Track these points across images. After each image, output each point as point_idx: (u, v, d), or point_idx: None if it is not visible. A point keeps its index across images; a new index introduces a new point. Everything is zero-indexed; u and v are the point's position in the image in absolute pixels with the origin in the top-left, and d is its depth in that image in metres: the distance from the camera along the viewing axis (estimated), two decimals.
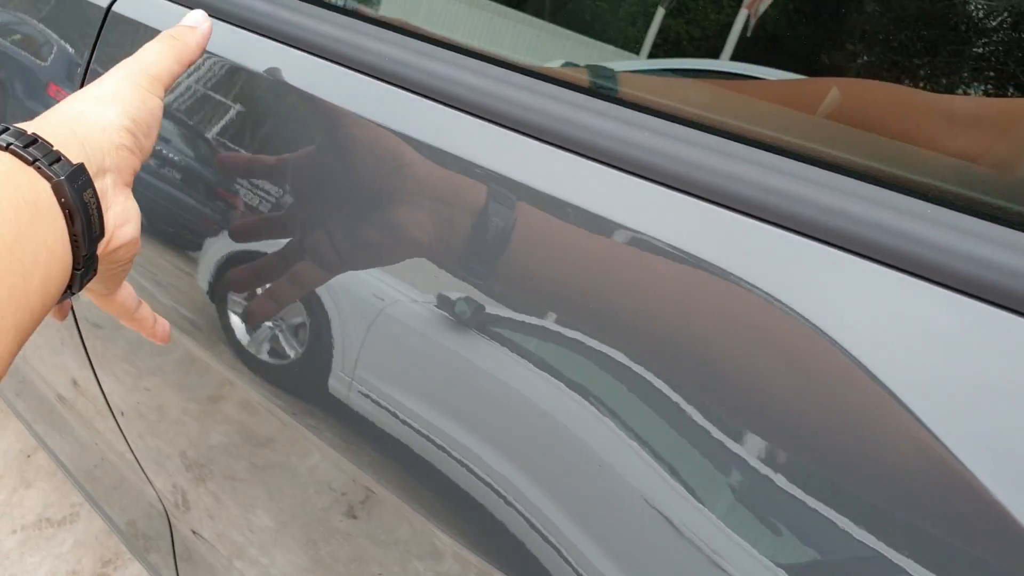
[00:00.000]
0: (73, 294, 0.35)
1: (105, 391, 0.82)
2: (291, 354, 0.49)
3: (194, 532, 0.83)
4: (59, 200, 0.32)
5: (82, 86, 0.62)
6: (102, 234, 0.35)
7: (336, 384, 0.45)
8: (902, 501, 0.27)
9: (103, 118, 0.37)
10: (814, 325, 0.29)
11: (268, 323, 0.50)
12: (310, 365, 0.47)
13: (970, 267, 0.28)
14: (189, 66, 0.44)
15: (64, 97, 0.65)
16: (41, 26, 0.69)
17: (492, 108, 0.40)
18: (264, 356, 0.51)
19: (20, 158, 0.31)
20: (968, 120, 0.35)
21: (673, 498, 0.32)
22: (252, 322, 0.51)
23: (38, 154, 0.31)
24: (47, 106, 0.66)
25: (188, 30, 0.45)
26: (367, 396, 0.44)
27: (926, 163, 0.34)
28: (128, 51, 0.41)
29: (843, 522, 0.28)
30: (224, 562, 0.78)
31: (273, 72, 0.49)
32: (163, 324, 0.48)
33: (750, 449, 0.30)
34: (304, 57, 0.48)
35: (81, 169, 0.33)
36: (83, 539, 1.46)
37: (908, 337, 0.28)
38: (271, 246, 0.49)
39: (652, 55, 0.50)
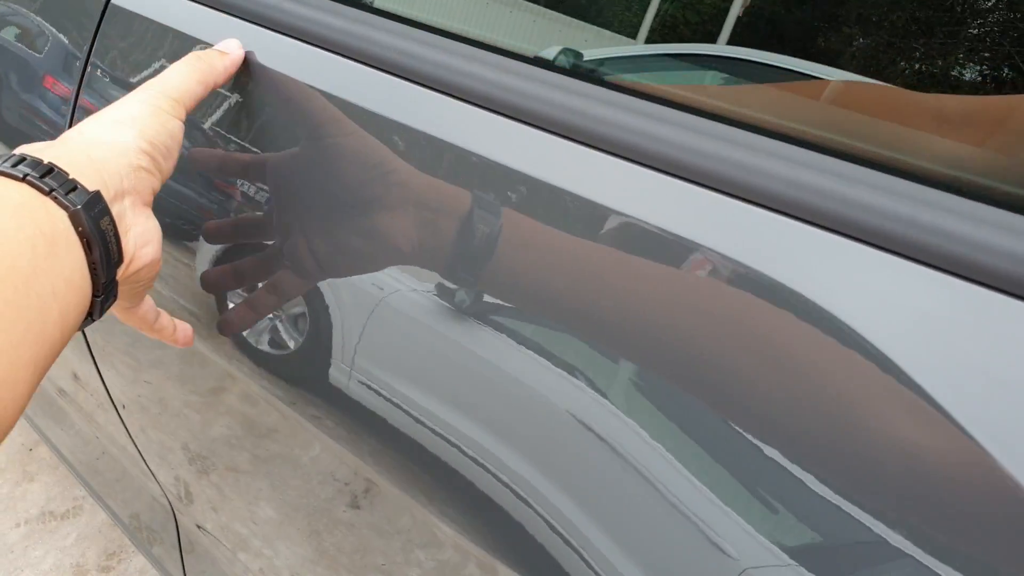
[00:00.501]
0: (94, 321, 0.35)
1: (107, 384, 0.82)
2: (291, 345, 0.49)
3: (198, 525, 0.83)
4: (76, 229, 0.32)
5: (82, 80, 0.62)
6: (120, 260, 0.36)
7: (336, 374, 0.45)
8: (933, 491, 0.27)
9: (119, 141, 0.37)
10: (834, 317, 0.29)
11: (268, 315, 0.51)
12: (310, 355, 0.47)
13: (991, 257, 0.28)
14: (214, 89, 0.44)
15: (60, 89, 0.65)
16: (39, 19, 0.69)
17: (488, 95, 0.40)
18: (264, 347, 0.51)
19: (37, 188, 0.31)
20: (958, 119, 0.35)
21: (681, 486, 0.32)
22: (228, 332, 0.51)
23: (54, 184, 0.32)
24: (45, 100, 0.66)
25: (217, 54, 0.45)
26: (367, 386, 0.44)
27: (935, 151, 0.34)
28: (129, 44, 0.41)
29: (865, 515, 0.28)
30: (228, 554, 0.78)
31: (259, 59, 0.49)
32: (184, 329, 0.48)
33: (760, 436, 0.31)
34: (289, 42, 0.48)
35: (97, 197, 0.33)
36: (87, 532, 1.46)
37: (935, 331, 0.28)
38: (248, 248, 0.49)
39: (649, 40, 0.50)
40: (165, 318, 0.47)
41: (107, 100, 0.60)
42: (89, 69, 0.62)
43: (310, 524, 0.57)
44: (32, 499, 1.51)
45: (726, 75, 0.45)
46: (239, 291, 0.51)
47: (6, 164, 0.32)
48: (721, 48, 0.45)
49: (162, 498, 0.90)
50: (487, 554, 0.41)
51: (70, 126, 0.63)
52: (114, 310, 0.43)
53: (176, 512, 0.89)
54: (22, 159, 0.32)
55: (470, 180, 0.39)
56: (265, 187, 0.48)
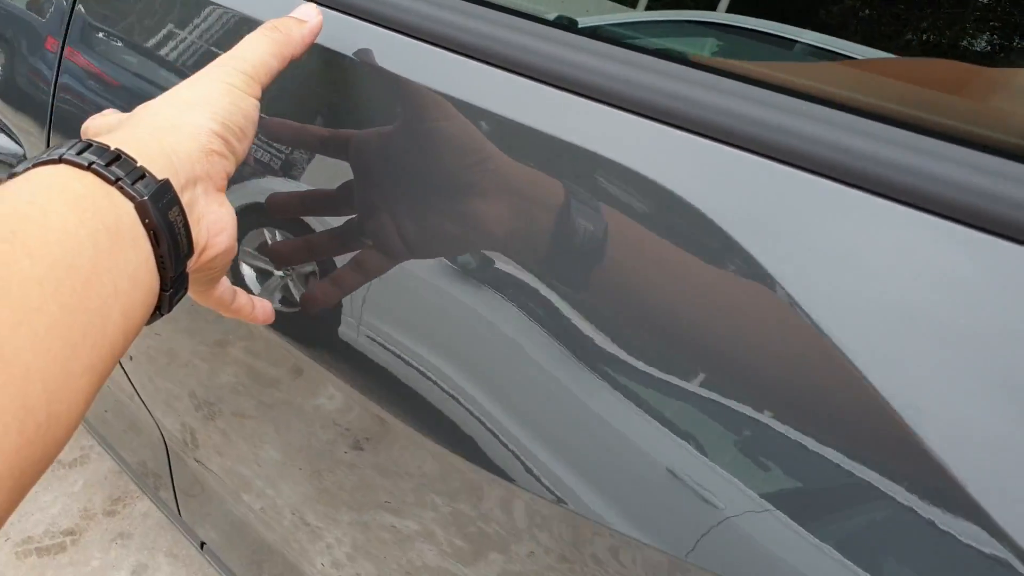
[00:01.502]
0: (162, 315, 0.33)
1: None
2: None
3: (202, 465, 0.85)
4: (143, 221, 0.30)
5: (65, 37, 0.60)
6: (191, 252, 0.34)
7: (345, 329, 0.47)
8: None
9: (191, 123, 0.35)
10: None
11: (279, 272, 0.51)
12: (320, 311, 0.49)
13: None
14: (292, 60, 0.41)
15: (58, 50, 0.64)
16: None
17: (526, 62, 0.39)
18: (276, 305, 0.52)
19: (102, 177, 0.29)
20: None
21: (670, 431, 0.34)
22: (312, 309, 0.49)
23: (120, 172, 0.29)
24: (46, 61, 0.66)
25: (295, 23, 0.41)
26: (373, 339, 0.45)
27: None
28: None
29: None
30: (232, 495, 0.80)
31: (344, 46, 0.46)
32: (263, 306, 0.46)
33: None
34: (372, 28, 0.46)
35: (166, 186, 0.31)
36: (93, 479, 1.50)
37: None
38: (315, 224, 0.47)
39: (650, 7, 0.50)
40: (243, 297, 0.44)
41: (96, 53, 0.59)
42: (73, 22, 0.59)
43: (312, 464, 0.59)
44: None
45: (723, 44, 0.45)
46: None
47: (71, 151, 0.29)
48: (721, 16, 0.45)
49: (168, 444, 0.92)
50: (486, 486, 0.42)
51: (56, 79, 0.61)
52: (188, 292, 0.40)
53: (183, 456, 0.91)
54: (88, 145, 0.30)
55: (567, 170, 0.38)
56: (343, 163, 0.45)
